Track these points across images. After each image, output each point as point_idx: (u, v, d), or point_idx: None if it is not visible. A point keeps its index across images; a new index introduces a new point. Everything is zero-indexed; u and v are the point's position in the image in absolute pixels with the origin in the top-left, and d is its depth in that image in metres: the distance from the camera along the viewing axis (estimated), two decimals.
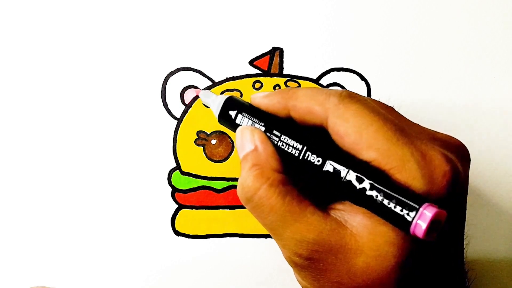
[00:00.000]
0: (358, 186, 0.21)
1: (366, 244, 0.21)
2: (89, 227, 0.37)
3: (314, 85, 0.37)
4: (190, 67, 0.37)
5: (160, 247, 0.38)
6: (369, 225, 0.21)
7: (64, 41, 0.37)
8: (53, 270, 0.38)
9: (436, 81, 0.37)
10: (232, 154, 0.37)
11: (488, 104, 0.37)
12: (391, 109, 0.24)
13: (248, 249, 0.38)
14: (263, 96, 0.26)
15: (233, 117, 0.27)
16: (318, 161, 0.23)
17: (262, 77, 0.37)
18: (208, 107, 0.30)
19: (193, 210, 0.38)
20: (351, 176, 0.21)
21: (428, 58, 0.37)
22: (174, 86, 0.37)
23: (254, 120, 0.26)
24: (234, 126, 0.27)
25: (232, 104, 0.27)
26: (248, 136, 0.24)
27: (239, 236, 0.38)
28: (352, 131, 0.22)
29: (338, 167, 0.22)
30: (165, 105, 0.37)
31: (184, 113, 0.37)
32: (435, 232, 0.19)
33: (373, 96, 0.37)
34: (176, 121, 0.37)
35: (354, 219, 0.21)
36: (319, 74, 0.37)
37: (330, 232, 0.21)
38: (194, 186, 0.37)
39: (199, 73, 0.37)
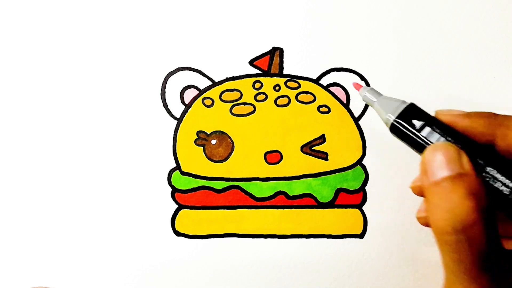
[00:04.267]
0: None
1: None
2: (89, 227, 0.37)
3: (315, 85, 0.37)
4: (190, 67, 0.37)
5: (160, 247, 0.38)
6: None
7: (64, 41, 0.37)
8: (53, 270, 0.38)
9: (436, 81, 0.37)
10: (232, 154, 0.37)
11: (489, 104, 0.37)
12: None
13: (248, 249, 0.38)
14: (463, 115, 0.23)
15: (417, 127, 0.23)
16: None
17: (262, 77, 0.37)
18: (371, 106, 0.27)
19: (193, 210, 0.38)
20: None
21: (429, 58, 0.37)
22: (174, 86, 0.37)
23: (449, 139, 0.22)
24: (412, 139, 0.23)
25: (417, 113, 0.23)
26: (455, 156, 0.21)
27: (239, 236, 0.38)
28: None
29: None
30: (165, 105, 0.37)
31: (184, 113, 0.37)
32: None
33: None
34: (176, 121, 0.37)
35: None
36: (319, 74, 0.37)
37: None
38: (194, 186, 0.37)
39: (199, 73, 0.37)
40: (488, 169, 0.21)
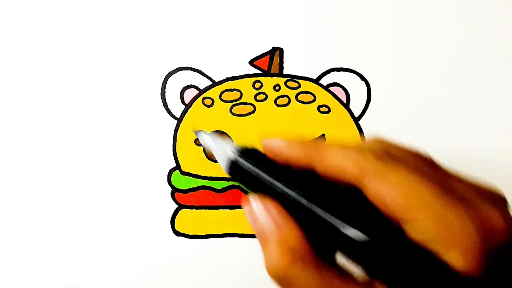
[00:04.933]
0: (401, 261, 0.18)
1: None
2: (89, 227, 0.37)
3: (315, 85, 0.37)
4: (190, 67, 0.37)
5: (160, 247, 0.38)
6: None
7: (65, 41, 0.37)
8: (53, 270, 0.38)
9: (436, 81, 0.37)
10: None
11: (488, 104, 0.37)
12: (431, 163, 0.22)
13: (248, 249, 0.38)
14: (284, 145, 0.23)
15: (244, 171, 0.23)
16: (353, 229, 0.19)
17: (262, 77, 0.37)
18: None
19: (193, 210, 0.37)
20: (390, 248, 0.19)
21: (429, 58, 0.37)
22: (174, 85, 0.37)
23: (270, 178, 0.22)
24: (244, 181, 0.23)
25: (243, 157, 0.23)
26: (263, 211, 0.22)
27: (239, 236, 0.38)
28: (396, 194, 0.19)
29: (378, 237, 0.19)
30: (165, 104, 0.37)
31: (184, 113, 0.37)
32: None
33: (373, 96, 0.37)
34: (176, 121, 0.37)
35: None
36: (319, 74, 0.37)
37: None
38: (194, 186, 0.37)
39: (199, 73, 0.37)
40: (304, 200, 0.21)
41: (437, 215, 0.19)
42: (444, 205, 0.19)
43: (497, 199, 0.21)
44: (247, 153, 0.24)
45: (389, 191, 0.20)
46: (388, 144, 0.22)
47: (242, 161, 0.23)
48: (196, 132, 0.27)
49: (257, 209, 0.22)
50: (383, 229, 0.19)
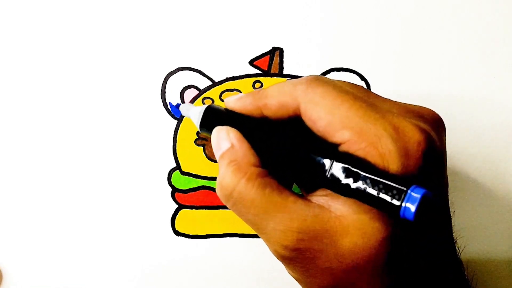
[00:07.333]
0: (338, 176, 0.20)
1: (351, 223, 0.20)
2: (89, 227, 0.37)
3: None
4: (190, 67, 0.37)
5: (160, 247, 0.38)
6: (353, 205, 0.20)
7: (64, 41, 0.37)
8: (53, 270, 0.38)
9: (437, 81, 0.37)
10: None
11: (488, 104, 0.37)
12: (360, 88, 0.24)
13: (248, 249, 0.38)
14: (236, 99, 0.26)
15: (214, 117, 0.26)
16: (298, 153, 0.22)
17: (262, 77, 0.37)
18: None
19: (193, 210, 0.38)
20: (327, 163, 0.21)
21: (429, 58, 0.37)
22: (174, 86, 0.37)
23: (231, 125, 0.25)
24: (213, 125, 0.26)
25: (211, 113, 0.26)
26: (224, 135, 0.24)
27: (239, 236, 0.38)
28: (324, 114, 0.21)
29: (315, 157, 0.22)
30: (165, 105, 0.37)
31: None
32: (424, 213, 0.18)
33: None
34: (176, 121, 0.37)
35: (337, 202, 0.21)
36: (319, 74, 0.37)
37: (313, 218, 0.21)
38: (194, 186, 0.37)
39: (199, 73, 0.37)
40: (261, 135, 0.24)
41: (355, 126, 0.21)
42: (363, 117, 0.21)
43: (423, 118, 0.23)
44: (215, 107, 0.27)
45: (317, 112, 0.22)
46: (323, 76, 0.24)
47: (212, 107, 0.26)
48: (177, 105, 0.31)
49: (220, 132, 0.25)
50: (317, 146, 0.22)
